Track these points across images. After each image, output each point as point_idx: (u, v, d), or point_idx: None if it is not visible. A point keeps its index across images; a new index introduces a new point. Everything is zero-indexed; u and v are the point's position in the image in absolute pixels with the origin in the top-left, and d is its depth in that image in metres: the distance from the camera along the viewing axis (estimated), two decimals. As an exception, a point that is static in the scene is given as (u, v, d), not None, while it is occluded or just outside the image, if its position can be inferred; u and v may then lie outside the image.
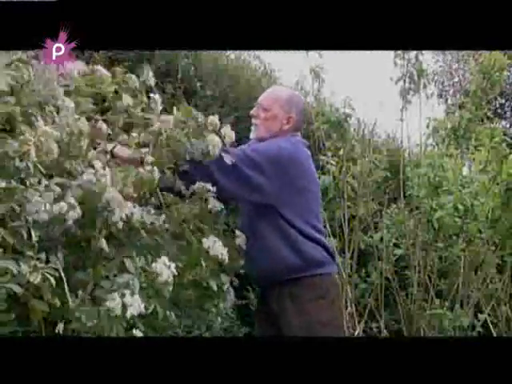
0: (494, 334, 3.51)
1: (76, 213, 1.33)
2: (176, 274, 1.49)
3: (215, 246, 1.68)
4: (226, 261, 1.71)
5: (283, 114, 2.05)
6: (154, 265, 1.46)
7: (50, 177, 1.39)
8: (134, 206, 1.51)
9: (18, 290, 1.21)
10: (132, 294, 1.37)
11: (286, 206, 1.96)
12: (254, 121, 2.08)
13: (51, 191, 1.32)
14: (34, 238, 1.26)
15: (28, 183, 1.30)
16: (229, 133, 1.69)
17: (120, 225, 1.43)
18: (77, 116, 1.46)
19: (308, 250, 1.96)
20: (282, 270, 1.94)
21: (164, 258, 1.48)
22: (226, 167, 1.77)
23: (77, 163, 1.44)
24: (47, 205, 1.28)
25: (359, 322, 3.36)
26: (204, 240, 1.68)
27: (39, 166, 1.32)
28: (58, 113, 1.42)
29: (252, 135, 2.08)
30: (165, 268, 1.46)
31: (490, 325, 3.52)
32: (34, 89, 1.39)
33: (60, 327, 1.29)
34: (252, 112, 2.08)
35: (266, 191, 1.91)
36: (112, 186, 1.43)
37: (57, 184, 1.35)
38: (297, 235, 1.95)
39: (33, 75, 1.40)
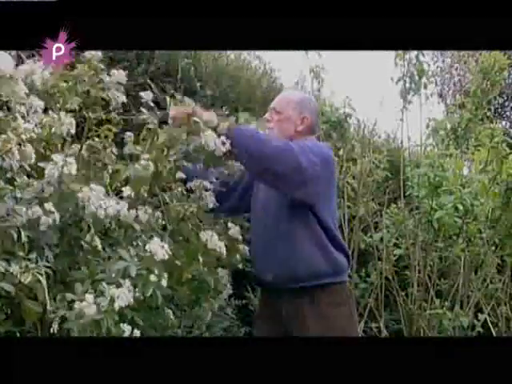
0: (494, 334, 3.51)
1: (51, 218, 1.33)
2: (171, 253, 1.49)
3: (213, 239, 1.68)
4: (224, 255, 1.71)
5: (296, 115, 2.02)
6: (147, 246, 1.46)
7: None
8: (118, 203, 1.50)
9: (9, 288, 1.21)
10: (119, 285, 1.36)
11: (324, 210, 1.92)
12: (267, 125, 2.06)
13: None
14: (24, 239, 1.26)
15: (21, 183, 1.30)
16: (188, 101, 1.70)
17: (101, 216, 1.42)
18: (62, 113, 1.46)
19: (337, 257, 1.93)
20: (309, 274, 1.90)
21: (157, 239, 1.48)
22: (283, 155, 1.77)
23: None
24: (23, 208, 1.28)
25: (359, 322, 3.35)
26: (201, 234, 1.68)
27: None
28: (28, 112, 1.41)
29: None
30: (159, 247, 1.47)
31: (490, 325, 3.52)
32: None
33: (55, 327, 1.29)
34: (265, 117, 2.07)
35: (316, 189, 1.86)
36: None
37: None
38: (327, 241, 1.92)
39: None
